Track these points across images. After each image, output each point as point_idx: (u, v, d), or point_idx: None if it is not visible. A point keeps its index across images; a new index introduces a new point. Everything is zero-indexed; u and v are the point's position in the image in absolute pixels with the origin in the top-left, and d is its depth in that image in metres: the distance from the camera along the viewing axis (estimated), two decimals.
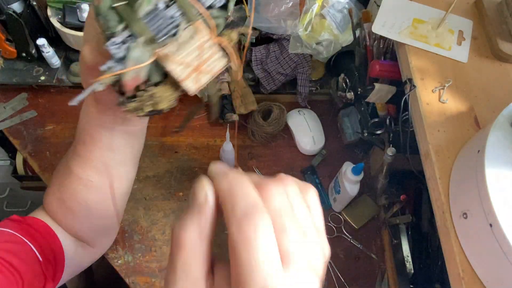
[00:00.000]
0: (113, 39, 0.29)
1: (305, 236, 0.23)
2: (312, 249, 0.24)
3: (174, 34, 0.30)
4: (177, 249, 0.24)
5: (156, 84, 0.32)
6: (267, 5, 0.83)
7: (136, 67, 0.30)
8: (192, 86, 0.31)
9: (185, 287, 0.23)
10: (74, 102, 0.29)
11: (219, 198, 0.24)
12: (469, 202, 0.48)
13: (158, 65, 0.31)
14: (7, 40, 0.91)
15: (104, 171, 0.52)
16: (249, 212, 0.22)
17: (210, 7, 0.31)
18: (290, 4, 0.82)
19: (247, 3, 0.84)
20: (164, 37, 0.30)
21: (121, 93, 0.32)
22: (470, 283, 0.48)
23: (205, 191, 0.24)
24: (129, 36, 0.30)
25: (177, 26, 0.30)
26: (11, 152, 1.15)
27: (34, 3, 0.87)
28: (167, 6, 0.30)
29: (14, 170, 1.12)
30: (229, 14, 0.33)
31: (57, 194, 0.57)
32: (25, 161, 1.07)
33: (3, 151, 1.15)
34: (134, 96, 0.32)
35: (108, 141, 0.49)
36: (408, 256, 0.75)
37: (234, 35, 0.33)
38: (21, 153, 0.92)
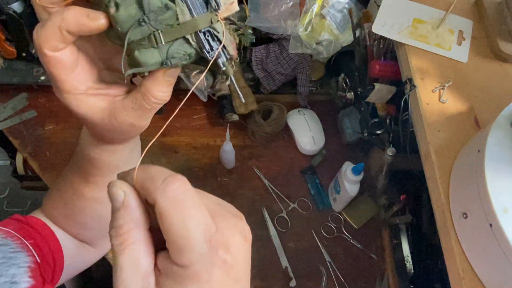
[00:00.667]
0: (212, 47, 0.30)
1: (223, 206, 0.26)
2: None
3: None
4: (119, 249, 0.24)
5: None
6: (267, 5, 0.83)
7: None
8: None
9: (135, 286, 0.24)
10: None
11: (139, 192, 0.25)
12: (469, 202, 0.48)
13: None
14: (7, 40, 0.91)
15: (103, 188, 0.51)
16: (169, 178, 0.23)
17: None
18: (290, 4, 0.82)
19: (247, 3, 0.84)
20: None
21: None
22: (470, 283, 0.48)
23: (121, 189, 0.25)
24: (212, 38, 0.30)
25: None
26: (11, 152, 1.15)
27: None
28: None
29: (14, 170, 1.11)
30: None
31: (62, 210, 0.56)
32: (25, 161, 1.07)
33: (3, 151, 1.15)
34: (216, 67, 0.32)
35: (115, 163, 0.48)
36: (408, 256, 0.75)
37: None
38: (21, 153, 0.92)
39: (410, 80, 0.62)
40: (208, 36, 0.30)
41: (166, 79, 0.31)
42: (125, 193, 0.25)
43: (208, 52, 0.30)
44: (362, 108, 0.83)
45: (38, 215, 0.58)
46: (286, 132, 0.96)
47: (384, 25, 0.67)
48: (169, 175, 0.24)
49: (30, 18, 0.88)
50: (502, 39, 0.65)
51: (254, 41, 0.90)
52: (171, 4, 0.28)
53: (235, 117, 0.88)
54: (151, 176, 0.24)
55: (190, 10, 0.29)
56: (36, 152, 0.91)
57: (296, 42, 0.82)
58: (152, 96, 0.32)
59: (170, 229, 0.23)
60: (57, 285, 0.56)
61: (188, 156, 0.92)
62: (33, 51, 0.92)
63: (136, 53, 0.29)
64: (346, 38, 0.84)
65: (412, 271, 0.74)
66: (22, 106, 0.96)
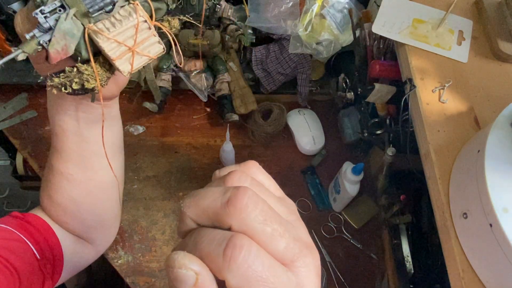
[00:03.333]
0: (42, 7, 0.28)
1: (286, 225, 0.22)
2: (297, 229, 0.23)
3: (110, 11, 0.28)
4: None
5: (87, 62, 0.30)
6: (267, 5, 0.83)
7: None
8: (125, 67, 0.30)
9: None
10: None
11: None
12: (469, 202, 0.48)
13: (91, 42, 0.29)
14: (7, 40, 0.91)
15: (81, 163, 0.52)
16: (228, 250, 0.20)
17: None
18: (290, 4, 0.82)
19: (247, 3, 0.84)
20: (98, 12, 0.28)
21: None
22: (470, 283, 0.48)
23: (191, 269, 0.20)
24: (61, 6, 0.28)
25: (113, 3, 0.29)
26: (11, 152, 1.15)
27: None
28: None
29: (14, 170, 1.11)
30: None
31: (46, 190, 0.57)
32: (25, 161, 1.07)
33: (3, 151, 1.15)
34: (64, 72, 0.31)
35: (77, 131, 0.48)
36: (408, 256, 0.75)
37: (175, 22, 0.32)
38: (21, 153, 0.92)
39: (410, 80, 0.62)
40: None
41: None
42: (197, 275, 0.20)
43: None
44: (362, 108, 0.83)
45: (37, 212, 0.58)
46: (286, 132, 0.96)
47: (384, 25, 0.67)
48: (223, 238, 0.20)
49: None
50: (502, 39, 0.65)
51: (254, 41, 0.90)
52: None
53: (235, 117, 0.88)
54: (208, 250, 0.20)
55: None
56: (36, 152, 0.91)
57: (296, 42, 0.82)
58: None
59: None
60: (58, 283, 0.56)
61: (188, 156, 0.92)
62: None
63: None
64: (346, 38, 0.84)
65: (412, 271, 0.74)
66: (22, 106, 0.96)
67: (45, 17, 0.28)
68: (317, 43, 0.83)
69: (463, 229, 0.50)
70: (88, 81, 0.31)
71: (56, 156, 0.52)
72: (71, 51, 0.29)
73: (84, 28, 0.29)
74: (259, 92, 0.95)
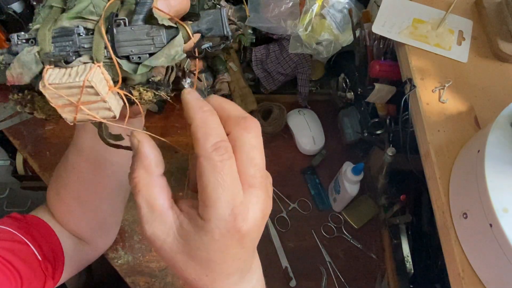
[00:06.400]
0: (21, 33, 0.29)
1: (263, 163, 0.30)
2: (266, 175, 0.30)
3: (69, 62, 0.29)
4: (135, 191, 0.28)
5: (42, 94, 0.31)
6: (267, 5, 0.83)
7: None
8: (68, 116, 0.30)
9: (153, 219, 0.28)
10: None
11: (190, 126, 0.28)
12: (469, 202, 0.48)
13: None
14: (7, 40, 0.91)
15: (94, 164, 0.52)
16: (218, 146, 0.27)
17: (134, 61, 0.30)
18: (290, 4, 0.82)
19: (247, 3, 0.84)
20: (60, 58, 0.29)
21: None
22: (470, 283, 0.48)
23: (136, 138, 0.29)
24: (33, 38, 0.29)
25: (77, 55, 0.29)
26: (11, 152, 1.15)
27: (34, 3, 0.87)
28: (87, 34, 0.30)
29: (14, 170, 1.11)
30: (153, 74, 0.31)
31: (55, 184, 0.57)
32: (25, 161, 1.07)
33: (3, 151, 1.15)
34: (24, 91, 0.31)
35: (94, 131, 0.48)
36: (408, 256, 0.75)
37: (148, 94, 0.31)
38: (21, 153, 0.92)
39: (410, 80, 0.62)
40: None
41: None
42: (139, 142, 0.29)
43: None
44: (362, 108, 0.83)
45: (37, 213, 0.58)
46: (286, 132, 0.96)
47: (384, 25, 0.67)
48: (220, 140, 0.27)
49: (30, 18, 0.88)
50: (502, 39, 0.65)
51: (254, 41, 0.90)
52: None
53: None
54: (207, 134, 0.27)
55: None
56: (36, 152, 0.91)
57: (296, 42, 0.82)
58: None
59: (203, 186, 0.26)
60: (59, 283, 0.56)
61: (188, 156, 0.92)
62: None
63: None
64: (346, 38, 0.84)
65: (412, 271, 0.74)
66: None
67: (17, 43, 0.30)
68: (317, 43, 0.83)
69: (463, 229, 0.50)
70: (37, 111, 0.32)
71: (74, 150, 0.52)
72: (24, 81, 0.30)
73: (43, 68, 0.29)
74: (259, 92, 0.95)
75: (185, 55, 0.31)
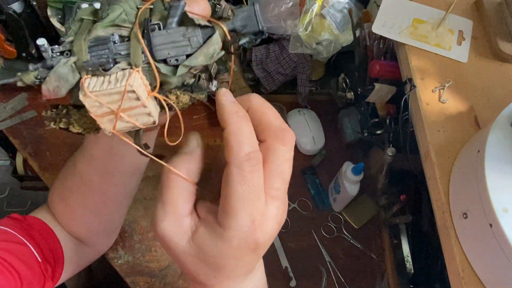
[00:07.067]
0: (54, 46, 0.29)
1: (287, 182, 0.30)
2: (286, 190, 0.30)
3: (107, 69, 0.28)
4: (167, 186, 0.28)
5: (78, 107, 0.31)
6: (267, 5, 0.83)
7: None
8: (107, 126, 0.29)
9: (171, 222, 0.28)
10: None
11: (224, 131, 0.28)
12: (469, 202, 0.48)
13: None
14: (7, 40, 0.91)
15: (104, 173, 0.52)
16: (250, 157, 0.26)
17: (171, 63, 0.30)
18: (290, 4, 0.82)
19: (247, 3, 0.84)
20: (98, 66, 0.28)
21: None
22: (470, 283, 0.48)
23: (197, 139, 0.30)
24: (68, 50, 0.29)
25: (115, 62, 0.29)
26: (11, 152, 1.15)
27: (34, 3, 0.87)
28: (122, 41, 0.29)
29: (14, 170, 1.12)
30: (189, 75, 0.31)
31: (59, 188, 0.57)
32: (25, 161, 1.07)
33: (3, 151, 1.15)
34: (58, 107, 0.31)
35: (108, 142, 0.48)
36: (408, 256, 0.75)
37: (185, 97, 0.32)
38: (21, 153, 0.92)
39: (410, 80, 0.62)
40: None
41: None
42: (198, 144, 0.30)
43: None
44: (362, 108, 0.83)
45: (37, 214, 0.58)
46: None
47: (384, 25, 0.67)
48: (253, 151, 0.27)
49: (30, 18, 0.88)
50: (502, 39, 0.65)
51: None
52: None
53: None
54: (240, 143, 0.27)
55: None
56: (36, 152, 0.91)
57: (296, 42, 0.82)
58: None
59: (228, 194, 0.26)
60: (59, 283, 0.56)
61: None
62: (33, 51, 0.92)
63: None
64: (346, 38, 0.84)
65: (412, 271, 0.74)
66: (22, 106, 0.96)
67: (52, 56, 0.29)
68: (317, 43, 0.83)
69: (463, 229, 0.50)
70: (73, 125, 0.32)
71: (82, 157, 0.51)
72: (61, 94, 0.30)
73: (80, 78, 0.29)
74: (259, 92, 0.95)
75: (223, 52, 0.31)
